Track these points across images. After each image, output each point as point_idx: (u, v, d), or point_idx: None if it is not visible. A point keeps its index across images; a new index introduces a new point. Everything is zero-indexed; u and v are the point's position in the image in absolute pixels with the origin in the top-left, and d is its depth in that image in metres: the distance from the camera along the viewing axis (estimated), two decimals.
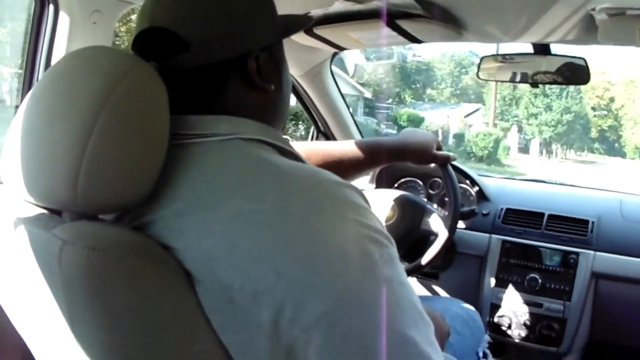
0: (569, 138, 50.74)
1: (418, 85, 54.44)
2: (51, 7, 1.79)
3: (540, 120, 48.22)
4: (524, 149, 48.18)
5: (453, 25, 1.96)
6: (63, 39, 1.79)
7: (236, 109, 1.03)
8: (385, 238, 0.91)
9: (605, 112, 55.57)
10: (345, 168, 1.85)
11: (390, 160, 1.97)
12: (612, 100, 55.43)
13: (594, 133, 57.14)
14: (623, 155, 55.54)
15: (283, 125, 1.19)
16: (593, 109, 55.48)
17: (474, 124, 43.91)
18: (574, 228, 2.59)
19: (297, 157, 1.04)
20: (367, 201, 0.95)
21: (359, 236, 0.87)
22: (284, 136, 1.11)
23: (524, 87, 38.83)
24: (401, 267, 0.91)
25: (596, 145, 60.35)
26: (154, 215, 0.93)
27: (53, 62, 1.79)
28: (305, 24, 1.27)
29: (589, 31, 1.86)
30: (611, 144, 59.02)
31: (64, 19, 1.78)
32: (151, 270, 0.86)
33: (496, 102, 47.40)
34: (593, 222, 2.59)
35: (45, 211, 0.97)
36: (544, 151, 49.76)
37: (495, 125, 46.56)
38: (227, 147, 0.97)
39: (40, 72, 1.83)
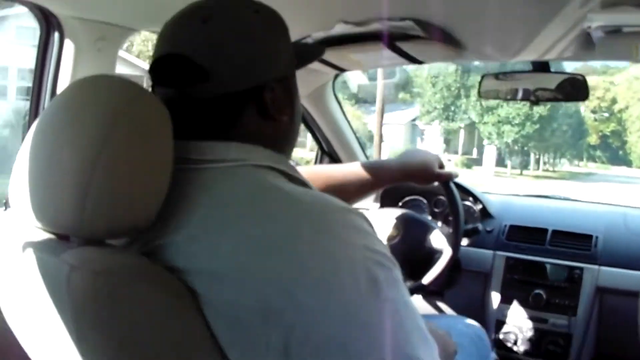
0: (555, 145, 43.92)
1: None
2: (56, 34, 1.82)
3: (500, 118, 39.41)
4: (479, 160, 40.16)
5: (452, 45, 1.98)
6: (68, 66, 1.81)
7: (249, 138, 1.04)
8: (390, 261, 0.93)
9: (607, 115, 50.89)
10: (348, 191, 1.86)
11: (393, 181, 1.99)
12: (614, 101, 50.50)
13: (594, 139, 52.16)
14: (629, 164, 50.70)
15: (291, 151, 1.20)
16: (593, 112, 51.02)
17: (393, 126, 38.21)
18: (577, 243, 2.59)
19: (305, 184, 1.06)
20: (372, 226, 0.97)
21: (366, 260, 0.89)
22: (291, 161, 1.13)
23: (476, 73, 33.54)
24: (405, 289, 0.93)
25: (598, 153, 55.39)
26: (165, 240, 0.94)
27: (59, 88, 1.82)
28: (318, 54, 1.31)
29: (587, 48, 1.87)
30: (615, 151, 54.20)
31: (69, 46, 1.80)
32: (158, 294, 0.88)
33: (436, 93, 40.41)
34: (597, 237, 2.60)
35: (53, 236, 0.97)
36: (509, 161, 41.84)
37: (429, 123, 41.36)
38: (237, 173, 0.99)
39: (46, 98, 1.85)
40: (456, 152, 42.26)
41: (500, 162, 40.73)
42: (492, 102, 35.52)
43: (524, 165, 44.48)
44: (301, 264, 0.86)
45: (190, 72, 1.00)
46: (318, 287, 0.85)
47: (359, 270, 0.88)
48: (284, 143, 1.14)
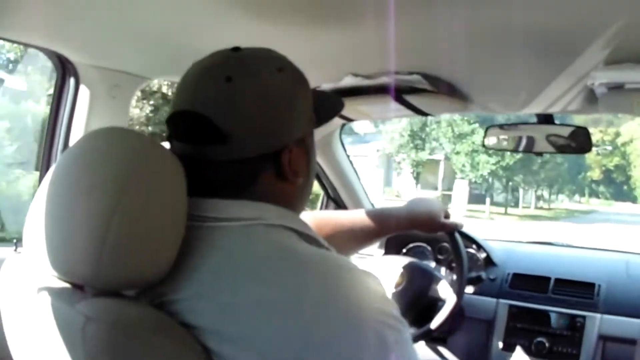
0: (549, 179, 39.67)
1: None
2: (72, 80, 1.85)
3: (474, 146, 33.45)
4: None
5: (459, 98, 2.01)
6: (83, 112, 1.84)
7: (263, 198, 1.04)
8: (400, 323, 0.94)
9: (610, 149, 47.13)
10: (355, 238, 1.87)
11: (399, 229, 1.98)
12: (617, 134, 46.99)
13: (597, 174, 48.90)
14: (634, 200, 47.63)
15: (303, 208, 1.20)
16: (595, 145, 45.24)
17: None
18: (580, 291, 2.59)
19: (317, 241, 1.05)
20: (382, 286, 0.97)
21: (376, 322, 0.90)
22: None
23: None
24: (414, 349, 0.95)
25: (601, 188, 52.34)
26: (175, 295, 0.95)
27: (72, 134, 1.85)
28: (337, 110, 1.31)
29: (590, 102, 1.91)
30: (619, 187, 50.88)
31: (84, 92, 1.83)
32: (173, 349, 0.89)
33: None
34: (599, 285, 2.59)
35: (67, 284, 0.98)
36: (489, 198, 36.06)
37: (395, 154, 35.43)
38: (250, 232, 0.99)
39: (60, 143, 1.88)
40: (435, 188, 37.06)
41: (480, 199, 36.24)
42: (466, 129, 33.91)
43: (512, 203, 41.43)
44: (309, 327, 0.87)
45: (208, 132, 1.00)
46: (327, 350, 0.86)
47: (369, 332, 0.88)
48: (297, 201, 1.14)
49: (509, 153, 28.62)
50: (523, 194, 42.17)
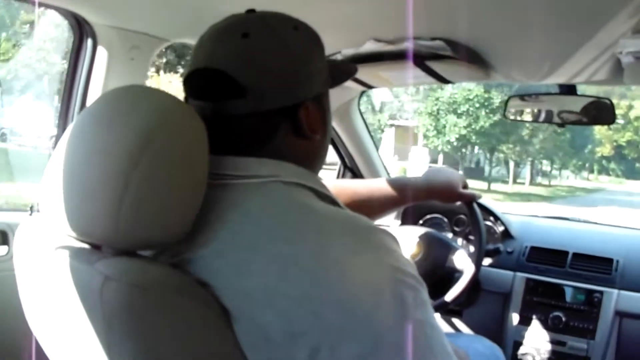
0: (545, 152, 34.39)
1: None
2: (89, 41, 1.84)
3: (439, 103, 28.58)
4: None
5: (481, 66, 1.99)
6: (100, 74, 1.83)
7: (281, 154, 1.04)
8: (418, 282, 0.93)
9: (622, 123, 43.08)
10: (372, 207, 1.88)
11: (417, 199, 1.99)
12: (630, 108, 42.92)
13: (607, 150, 44.80)
14: None
15: (320, 169, 1.20)
16: None
17: None
18: (598, 267, 2.58)
19: (334, 202, 1.05)
20: (400, 246, 0.97)
21: (394, 281, 0.89)
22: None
23: None
24: (432, 310, 0.93)
25: (612, 165, 48.37)
26: (193, 254, 0.94)
27: (89, 96, 1.84)
28: (352, 73, 1.31)
29: (615, 72, 1.88)
30: (631, 164, 47.12)
31: (101, 54, 1.82)
32: (192, 308, 0.88)
33: None
34: (617, 261, 2.58)
35: (85, 245, 0.98)
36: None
37: None
38: (268, 190, 0.99)
39: (77, 105, 1.87)
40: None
41: (472, 174, 31.63)
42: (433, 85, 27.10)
43: (500, 177, 36.79)
44: (328, 284, 0.86)
45: (226, 87, 1.00)
46: (345, 308, 0.85)
47: (387, 291, 0.87)
48: (315, 161, 1.14)
49: (483, 113, 28.55)
50: (515, 167, 36.18)
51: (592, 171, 48.34)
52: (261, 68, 1.01)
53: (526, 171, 38.78)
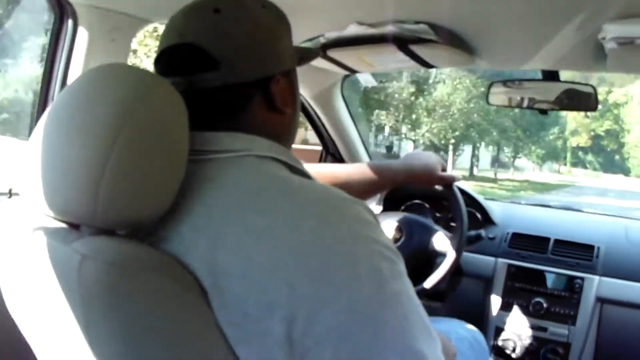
0: (506, 139, 31.02)
1: None
2: (70, 22, 1.81)
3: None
4: None
5: (464, 51, 1.98)
6: (81, 55, 1.81)
7: (254, 129, 1.05)
8: (394, 254, 0.93)
9: (600, 109, 38.68)
10: (351, 191, 1.85)
11: (396, 183, 2.01)
12: (609, 92, 39.86)
13: (584, 140, 39.94)
14: (626, 172, 40.13)
15: (291, 144, 1.22)
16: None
17: None
18: (579, 253, 2.60)
19: (307, 175, 1.07)
20: (376, 218, 0.97)
21: (369, 251, 0.89)
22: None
23: None
24: (409, 282, 0.93)
25: (589, 157, 43.87)
26: (169, 231, 0.94)
27: (70, 77, 1.82)
28: (314, 57, 1.34)
29: (598, 59, 1.88)
30: (610, 156, 42.58)
31: (82, 34, 1.80)
32: (170, 286, 0.87)
33: None
34: (598, 248, 2.60)
35: (63, 225, 0.97)
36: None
37: None
38: (241, 164, 0.99)
39: (57, 87, 1.85)
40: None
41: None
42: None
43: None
44: (303, 255, 0.86)
45: (199, 60, 1.02)
46: (320, 278, 0.85)
47: (362, 262, 0.88)
48: (286, 135, 1.16)
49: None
50: (455, 152, 30.85)
51: (565, 163, 43.78)
52: (233, 41, 1.03)
53: (478, 159, 33.55)
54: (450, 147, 30.26)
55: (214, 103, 1.05)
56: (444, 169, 2.00)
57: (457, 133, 28.45)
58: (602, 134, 40.20)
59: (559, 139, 37.70)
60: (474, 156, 34.91)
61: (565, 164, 43.75)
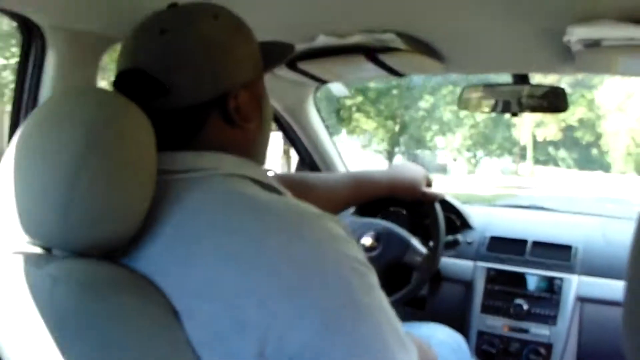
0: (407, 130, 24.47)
1: None
2: (39, 43, 1.80)
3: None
4: None
5: (434, 58, 1.99)
6: (50, 76, 1.80)
7: (217, 146, 1.05)
8: (365, 266, 0.93)
9: (569, 92, 23.26)
10: (329, 202, 1.84)
11: (378, 195, 1.99)
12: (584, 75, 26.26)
13: (554, 133, 31.24)
14: (606, 169, 31.79)
15: (264, 158, 1.20)
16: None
17: None
18: (557, 254, 2.61)
19: (277, 190, 1.06)
20: (346, 231, 0.97)
21: (339, 266, 0.90)
22: (266, 168, 1.14)
23: None
24: (382, 294, 0.94)
25: (561, 153, 34.54)
26: (141, 251, 0.94)
27: (41, 98, 1.81)
28: (287, 53, 1.31)
29: (567, 61, 1.89)
30: (585, 150, 33.52)
31: (51, 55, 1.79)
32: (142, 307, 0.88)
33: None
34: (576, 248, 2.62)
35: (36, 248, 0.97)
36: None
37: None
38: (208, 183, 0.99)
39: (28, 109, 1.84)
40: None
41: None
42: None
43: None
44: (272, 273, 0.87)
45: (150, 86, 1.01)
46: (290, 295, 0.85)
47: (333, 277, 0.88)
48: (253, 149, 1.15)
49: None
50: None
51: (524, 158, 33.86)
52: (180, 64, 1.02)
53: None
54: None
55: (171, 125, 1.04)
56: (429, 184, 2.00)
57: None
58: (575, 124, 31.65)
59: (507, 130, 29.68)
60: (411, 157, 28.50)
61: (524, 159, 34.05)
